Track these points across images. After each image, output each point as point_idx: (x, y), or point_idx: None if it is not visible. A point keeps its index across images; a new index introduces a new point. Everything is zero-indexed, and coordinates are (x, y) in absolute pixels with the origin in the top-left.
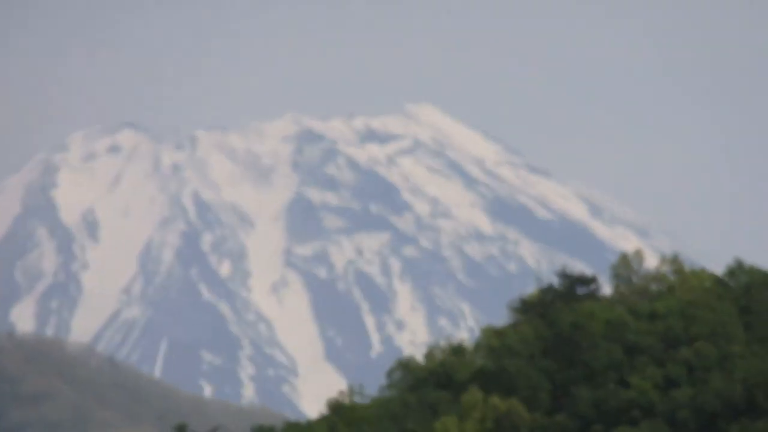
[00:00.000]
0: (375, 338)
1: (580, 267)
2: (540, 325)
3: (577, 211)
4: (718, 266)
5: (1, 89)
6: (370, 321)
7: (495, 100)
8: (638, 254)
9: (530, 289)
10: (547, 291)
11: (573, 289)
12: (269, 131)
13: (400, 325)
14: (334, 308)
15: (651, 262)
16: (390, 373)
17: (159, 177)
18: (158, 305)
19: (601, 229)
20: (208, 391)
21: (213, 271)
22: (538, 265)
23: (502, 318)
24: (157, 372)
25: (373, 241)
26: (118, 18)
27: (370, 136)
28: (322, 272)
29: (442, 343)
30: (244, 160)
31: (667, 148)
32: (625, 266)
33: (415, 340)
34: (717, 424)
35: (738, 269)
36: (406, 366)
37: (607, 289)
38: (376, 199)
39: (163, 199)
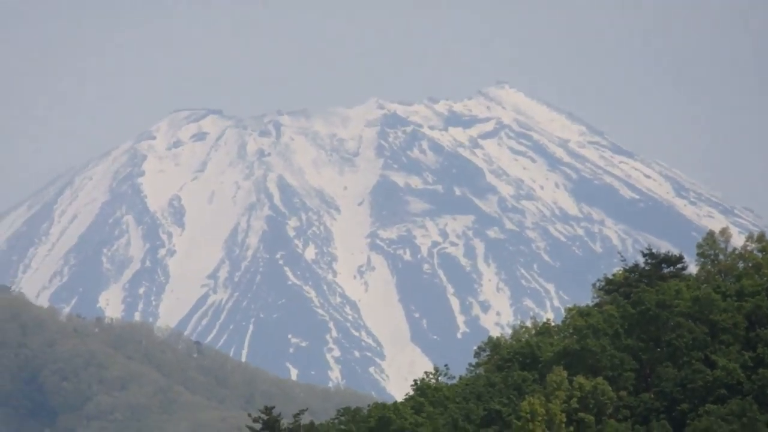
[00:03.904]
0: (460, 320)
1: (665, 246)
2: (625, 304)
3: (662, 191)
4: None
5: (88, 80)
6: (455, 303)
7: (577, 81)
8: (724, 232)
9: (615, 269)
10: (632, 270)
11: (659, 268)
12: (353, 116)
13: (485, 307)
14: (419, 290)
15: (737, 240)
16: (478, 352)
17: (244, 163)
18: (244, 290)
19: (686, 208)
20: (294, 374)
21: (298, 255)
22: (623, 244)
23: (587, 298)
24: (244, 356)
25: (457, 224)
26: (201, 7)
27: (454, 119)
28: (406, 255)
29: (528, 323)
30: (328, 145)
31: (753, 125)
32: (711, 245)
33: (500, 321)
34: None
35: None
36: (496, 344)
37: (693, 268)
38: (459, 182)
39: (248, 185)
